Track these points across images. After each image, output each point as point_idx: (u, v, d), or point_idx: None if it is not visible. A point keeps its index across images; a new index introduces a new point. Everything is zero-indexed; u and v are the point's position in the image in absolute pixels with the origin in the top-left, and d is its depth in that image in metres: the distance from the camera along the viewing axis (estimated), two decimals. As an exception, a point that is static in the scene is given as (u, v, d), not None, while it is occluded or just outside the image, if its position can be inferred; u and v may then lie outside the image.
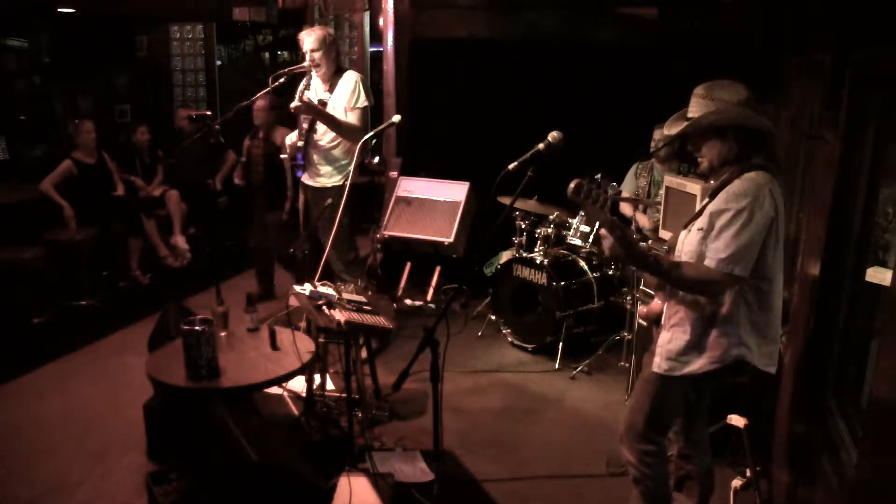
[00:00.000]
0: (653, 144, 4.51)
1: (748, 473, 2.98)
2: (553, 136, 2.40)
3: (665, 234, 3.88)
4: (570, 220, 4.79)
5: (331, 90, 4.18)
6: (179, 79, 8.59)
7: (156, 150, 6.68)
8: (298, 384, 3.81)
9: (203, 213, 6.54)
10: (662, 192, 3.94)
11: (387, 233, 5.30)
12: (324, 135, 4.20)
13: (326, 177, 4.26)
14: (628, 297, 4.29)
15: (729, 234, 2.17)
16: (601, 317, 4.72)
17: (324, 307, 3.11)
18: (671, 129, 2.43)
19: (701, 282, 2.24)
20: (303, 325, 4.27)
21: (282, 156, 4.39)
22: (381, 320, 3.19)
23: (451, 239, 5.11)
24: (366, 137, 3.88)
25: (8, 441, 3.56)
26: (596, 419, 3.88)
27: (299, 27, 4.24)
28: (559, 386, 4.30)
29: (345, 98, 4.12)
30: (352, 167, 3.93)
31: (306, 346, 3.37)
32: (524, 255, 4.78)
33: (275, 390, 3.75)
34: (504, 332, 4.89)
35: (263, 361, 3.23)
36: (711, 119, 2.25)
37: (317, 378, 3.80)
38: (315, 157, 4.26)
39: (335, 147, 4.20)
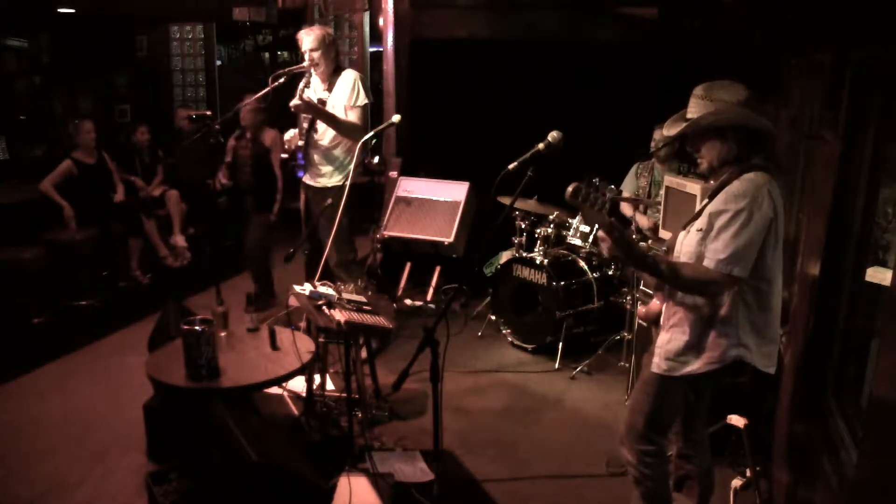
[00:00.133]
0: (653, 145, 4.51)
1: (748, 473, 2.97)
2: (553, 136, 2.40)
3: (665, 235, 3.88)
4: (570, 220, 4.80)
5: (330, 89, 4.18)
6: (179, 79, 8.59)
7: (156, 150, 6.68)
8: (298, 384, 3.81)
9: (203, 213, 6.55)
10: (662, 192, 3.94)
11: (387, 233, 5.30)
12: (324, 134, 4.20)
13: (327, 176, 4.26)
14: (628, 298, 4.29)
15: (728, 235, 2.17)
16: (601, 317, 4.72)
17: (324, 307, 3.11)
18: (671, 129, 2.43)
19: (700, 282, 2.24)
20: (303, 325, 4.27)
21: (283, 155, 4.38)
22: (381, 320, 3.19)
23: (451, 239, 5.11)
24: (366, 137, 3.88)
25: (8, 441, 3.56)
26: (596, 419, 3.88)
27: (299, 27, 4.23)
28: (559, 386, 4.30)
29: (344, 96, 4.12)
30: (352, 167, 3.93)
31: (306, 346, 3.37)
32: (524, 255, 4.78)
33: (275, 390, 3.75)
34: (504, 332, 4.89)
35: (263, 361, 3.23)
36: (711, 119, 2.25)
37: (317, 378, 3.80)
38: (315, 156, 4.26)
39: (336, 146, 4.20)
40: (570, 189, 2.12)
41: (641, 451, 2.48)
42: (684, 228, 2.42)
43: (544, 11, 5.59)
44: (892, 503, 1.70)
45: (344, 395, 3.40)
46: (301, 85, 4.13)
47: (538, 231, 4.87)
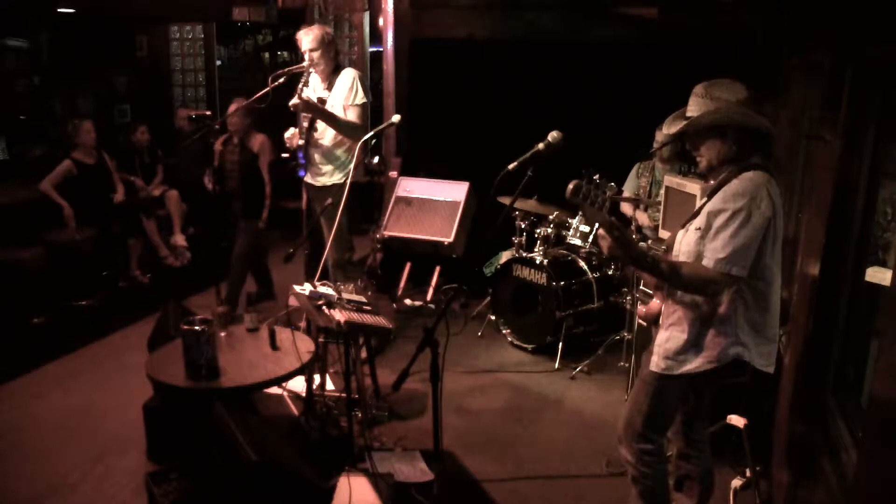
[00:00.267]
0: (655, 145, 4.51)
1: (748, 473, 2.98)
2: (553, 136, 2.40)
3: (664, 234, 3.88)
4: (570, 220, 4.80)
5: (329, 88, 4.18)
6: (179, 79, 8.59)
7: (156, 150, 6.68)
8: (298, 384, 3.81)
9: (203, 213, 6.54)
10: (663, 191, 3.94)
11: (387, 233, 5.30)
12: (324, 133, 4.20)
13: (328, 175, 4.26)
14: (628, 297, 4.29)
15: (727, 234, 2.17)
16: (601, 317, 4.72)
17: (324, 307, 3.11)
18: (670, 127, 2.43)
19: (699, 281, 2.24)
20: (303, 325, 4.27)
21: (283, 155, 4.38)
22: (381, 320, 3.19)
23: (451, 239, 5.11)
24: (366, 137, 3.88)
25: (8, 441, 3.56)
26: (596, 419, 3.88)
27: (299, 27, 4.23)
28: (559, 386, 4.30)
29: (343, 95, 4.12)
30: (352, 165, 3.93)
31: (306, 346, 3.37)
32: (524, 255, 4.78)
33: (275, 390, 3.75)
34: (504, 332, 4.89)
35: (263, 361, 3.23)
36: (711, 118, 2.25)
37: (317, 378, 3.80)
38: (316, 155, 4.26)
39: (336, 145, 4.20)
40: (570, 187, 2.12)
41: (640, 450, 2.48)
42: (683, 227, 2.42)
43: (544, 11, 5.59)
44: (892, 503, 1.70)
45: (344, 395, 3.40)
46: (300, 84, 4.13)
47: (538, 231, 4.87)
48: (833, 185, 2.59)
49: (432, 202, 5.30)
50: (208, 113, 4.69)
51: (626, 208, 4.76)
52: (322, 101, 4.14)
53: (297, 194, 4.63)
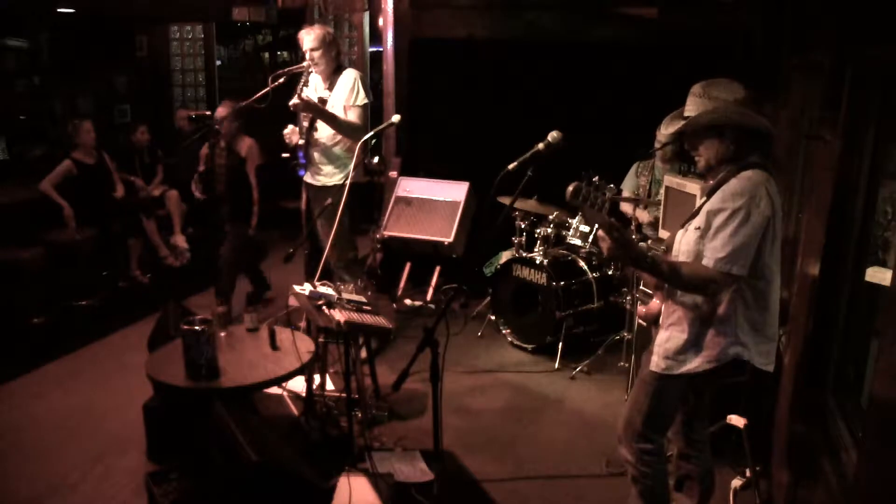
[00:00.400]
0: (657, 145, 4.51)
1: (748, 473, 2.98)
2: (553, 135, 2.40)
3: (664, 234, 3.88)
4: (570, 220, 4.80)
5: (331, 88, 4.18)
6: (179, 79, 8.59)
7: (156, 150, 6.68)
8: (298, 384, 3.81)
9: (202, 214, 6.53)
10: (662, 191, 3.95)
11: (386, 233, 5.30)
12: (324, 133, 4.20)
13: (328, 176, 4.26)
14: (628, 297, 4.29)
15: (726, 234, 2.17)
16: (601, 317, 4.72)
17: (324, 307, 3.11)
18: (668, 127, 2.43)
19: (699, 281, 2.24)
20: (303, 325, 4.27)
21: (283, 154, 4.38)
22: (381, 320, 3.19)
23: (451, 239, 5.11)
24: (366, 137, 3.88)
25: (8, 441, 3.56)
26: (596, 419, 3.88)
27: (299, 27, 4.23)
28: (559, 386, 4.30)
29: (344, 95, 4.12)
30: (352, 165, 3.93)
31: (306, 346, 3.37)
32: (524, 255, 4.78)
33: (275, 390, 3.75)
34: (504, 332, 4.89)
35: (263, 361, 3.23)
36: (709, 118, 2.25)
37: (317, 378, 3.80)
38: (316, 155, 4.26)
39: (336, 145, 4.21)
40: (570, 189, 2.12)
41: (640, 450, 2.48)
42: (682, 227, 2.42)
43: (544, 11, 5.59)
44: (892, 503, 1.70)
45: (344, 395, 3.40)
46: (300, 84, 4.13)
47: (538, 231, 4.87)
48: (833, 185, 2.59)
49: (432, 202, 5.30)
50: (208, 113, 4.68)
51: (625, 207, 4.76)
52: (323, 101, 4.14)
53: (297, 194, 4.62)
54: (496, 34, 5.70)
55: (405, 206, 5.35)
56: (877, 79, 2.43)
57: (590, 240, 4.60)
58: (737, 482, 3.03)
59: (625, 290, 4.45)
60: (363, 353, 3.86)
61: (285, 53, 8.53)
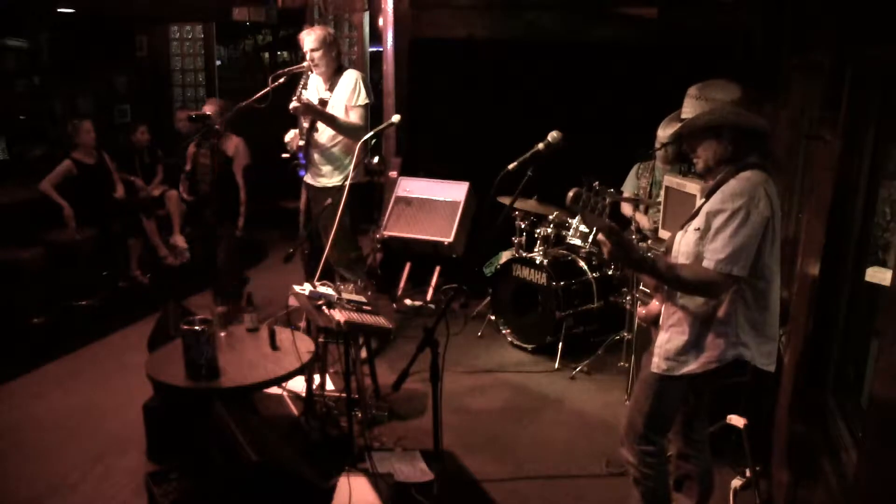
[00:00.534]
0: (657, 145, 4.51)
1: (748, 473, 2.98)
2: (553, 136, 2.40)
3: (664, 234, 3.88)
4: (570, 221, 4.79)
5: (331, 89, 4.18)
6: (179, 79, 8.59)
7: (156, 151, 6.68)
8: (298, 384, 3.81)
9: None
10: (663, 192, 3.94)
11: (386, 233, 5.30)
12: (323, 133, 4.20)
13: (328, 176, 4.26)
14: (628, 298, 4.29)
15: (726, 235, 2.18)
16: (601, 317, 4.72)
17: (324, 307, 3.11)
18: (666, 130, 2.44)
19: (700, 283, 2.24)
20: (303, 325, 4.28)
21: (283, 155, 4.38)
22: (381, 320, 3.19)
23: (451, 239, 5.11)
24: (366, 137, 3.88)
25: (8, 441, 3.56)
26: (596, 419, 3.88)
27: (299, 27, 4.23)
28: (559, 386, 4.30)
29: (345, 96, 4.12)
30: (352, 166, 3.93)
31: (306, 346, 3.37)
32: (524, 255, 4.78)
33: (275, 390, 3.75)
34: (504, 332, 4.89)
35: (263, 361, 3.23)
36: (706, 119, 2.25)
37: (316, 378, 3.80)
38: (316, 156, 4.27)
39: (335, 146, 4.21)
40: (570, 195, 2.13)
41: (641, 451, 2.48)
42: (682, 228, 2.42)
43: (544, 11, 5.59)
44: (892, 503, 1.70)
45: (344, 395, 3.40)
46: (299, 87, 4.12)
47: (538, 231, 4.87)
48: (833, 185, 2.59)
49: (432, 202, 5.30)
50: (208, 113, 4.66)
51: (625, 209, 4.76)
52: (323, 101, 4.14)
53: (297, 194, 4.62)
54: (496, 34, 5.70)
55: (405, 206, 5.35)
56: (877, 79, 2.43)
57: (590, 240, 4.60)
58: (737, 482, 3.03)
59: (625, 290, 4.45)
60: (363, 353, 3.85)
61: (285, 53, 8.53)
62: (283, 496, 2.59)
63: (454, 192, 5.28)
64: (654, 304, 2.60)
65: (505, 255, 5.13)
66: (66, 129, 5.85)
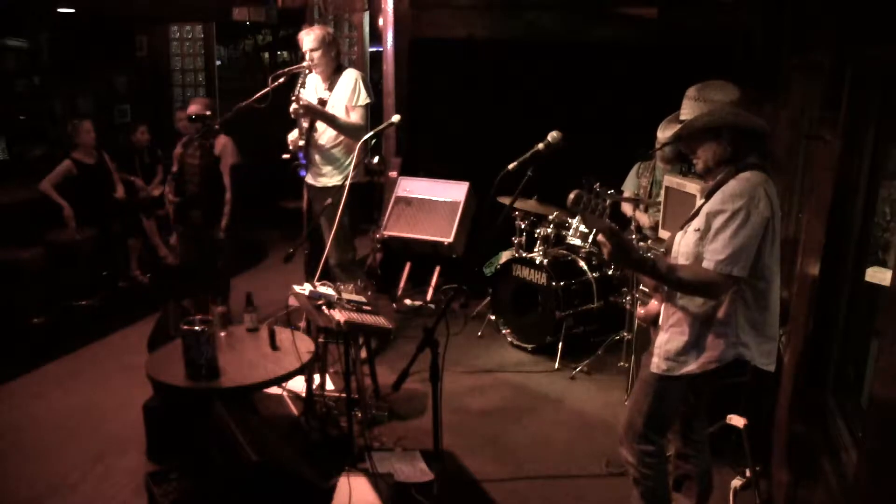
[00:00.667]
0: (657, 145, 4.51)
1: (748, 473, 2.98)
2: (553, 136, 2.40)
3: (664, 235, 3.88)
4: (570, 220, 4.79)
5: (330, 88, 4.18)
6: (179, 79, 8.58)
7: (156, 151, 6.68)
8: (298, 384, 3.81)
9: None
10: (663, 192, 3.94)
11: (386, 233, 5.30)
12: (323, 133, 4.20)
13: (328, 176, 4.26)
14: (628, 298, 4.29)
15: (726, 235, 2.18)
16: (601, 317, 4.72)
17: (324, 307, 3.11)
18: (665, 131, 2.43)
19: (700, 284, 2.24)
20: (303, 325, 4.27)
21: (284, 155, 4.38)
22: (381, 320, 3.19)
23: (451, 239, 5.11)
24: (366, 137, 3.88)
25: (8, 441, 3.56)
26: (596, 419, 3.88)
27: (299, 27, 4.23)
28: (559, 386, 4.30)
29: (345, 96, 4.12)
30: (352, 166, 3.93)
31: (306, 346, 3.37)
32: (524, 255, 4.77)
33: (275, 390, 3.75)
34: (504, 332, 4.89)
35: (263, 361, 3.23)
36: (705, 120, 2.25)
37: (316, 378, 3.80)
38: (316, 156, 4.27)
39: (335, 146, 4.21)
40: (571, 196, 2.14)
41: (641, 451, 2.48)
42: (682, 228, 2.42)
43: (544, 11, 5.59)
44: (892, 503, 1.70)
45: (344, 395, 3.40)
46: (297, 88, 4.11)
47: (538, 231, 4.87)
48: (833, 185, 2.59)
49: (432, 202, 5.30)
50: (208, 113, 4.66)
51: (625, 208, 4.76)
52: (322, 101, 4.14)
53: (298, 194, 4.62)
54: (496, 34, 5.70)
55: (405, 206, 5.35)
56: (877, 79, 2.43)
57: (590, 240, 4.60)
58: (737, 482, 3.03)
59: (625, 290, 4.45)
60: (363, 353, 3.85)
61: (285, 53, 8.53)
62: (283, 496, 2.59)
63: (454, 192, 5.28)
64: (654, 304, 2.60)
65: (505, 255, 5.13)
66: (66, 129, 5.85)
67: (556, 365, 4.51)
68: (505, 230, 5.02)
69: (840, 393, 2.61)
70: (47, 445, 3.51)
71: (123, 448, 3.46)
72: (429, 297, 5.36)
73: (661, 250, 2.77)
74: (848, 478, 2.16)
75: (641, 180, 4.73)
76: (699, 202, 2.42)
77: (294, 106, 3.98)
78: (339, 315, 3.03)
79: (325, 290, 3.24)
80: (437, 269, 5.41)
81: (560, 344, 4.54)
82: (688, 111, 2.31)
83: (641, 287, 3.90)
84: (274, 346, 3.37)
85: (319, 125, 4.18)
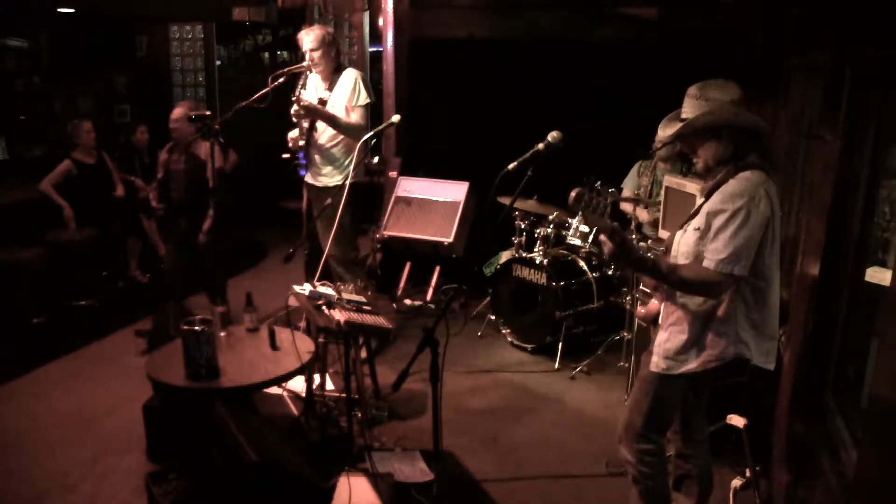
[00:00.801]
0: (656, 146, 4.51)
1: (748, 473, 2.98)
2: (553, 135, 2.40)
3: (664, 234, 3.88)
4: (570, 220, 4.79)
5: (330, 88, 4.18)
6: (179, 79, 8.58)
7: (156, 150, 6.67)
8: (298, 384, 3.81)
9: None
10: (663, 192, 3.94)
11: (386, 233, 5.30)
12: (323, 133, 4.20)
13: (328, 176, 4.26)
14: (627, 297, 4.29)
15: (726, 235, 2.18)
16: (601, 317, 4.72)
17: (324, 307, 3.11)
18: (666, 130, 2.43)
19: (701, 283, 2.24)
20: (303, 325, 4.27)
21: (284, 155, 4.38)
22: (381, 320, 3.19)
23: (451, 239, 5.11)
24: (366, 137, 3.88)
25: (8, 441, 3.56)
26: (596, 419, 3.88)
27: (299, 27, 4.22)
28: (559, 386, 4.30)
29: (345, 96, 4.12)
30: (352, 166, 3.93)
31: (306, 346, 3.37)
32: (524, 255, 4.78)
33: (275, 390, 3.75)
34: (504, 331, 4.89)
35: (263, 361, 3.23)
36: (706, 119, 2.26)
37: (316, 378, 3.80)
38: (316, 156, 4.27)
39: (335, 146, 4.21)
40: (572, 195, 2.14)
41: (640, 451, 2.48)
42: (682, 228, 2.42)
43: (544, 11, 5.59)
44: (892, 503, 1.70)
45: (343, 395, 3.40)
46: (297, 87, 4.11)
47: (538, 231, 4.87)
48: (833, 185, 2.59)
49: (432, 202, 5.30)
50: (208, 113, 4.65)
51: (625, 206, 4.76)
52: (322, 101, 4.14)
53: (298, 194, 4.62)
54: (496, 34, 5.70)
55: (405, 206, 5.35)
56: (877, 79, 2.43)
57: (590, 240, 4.60)
58: (737, 482, 3.03)
59: (625, 290, 4.45)
60: (363, 353, 3.85)
61: (285, 53, 8.53)
62: (283, 496, 2.59)
63: (454, 192, 5.28)
64: (654, 303, 2.60)
65: (505, 255, 5.13)
66: (66, 129, 5.85)
67: (556, 365, 4.51)
68: (505, 230, 5.02)
69: (840, 393, 2.61)
70: (47, 445, 3.51)
71: (123, 448, 3.46)
72: (429, 297, 5.36)
73: (661, 250, 2.77)
74: (847, 477, 2.16)
75: (642, 179, 4.73)
76: (699, 202, 2.42)
77: (295, 107, 3.99)
78: (339, 315, 3.03)
79: (325, 290, 3.24)
80: (437, 269, 5.41)
81: (560, 344, 4.54)
82: (689, 110, 2.31)
83: (641, 287, 3.90)
84: (274, 346, 3.37)
85: (320, 125, 4.18)
